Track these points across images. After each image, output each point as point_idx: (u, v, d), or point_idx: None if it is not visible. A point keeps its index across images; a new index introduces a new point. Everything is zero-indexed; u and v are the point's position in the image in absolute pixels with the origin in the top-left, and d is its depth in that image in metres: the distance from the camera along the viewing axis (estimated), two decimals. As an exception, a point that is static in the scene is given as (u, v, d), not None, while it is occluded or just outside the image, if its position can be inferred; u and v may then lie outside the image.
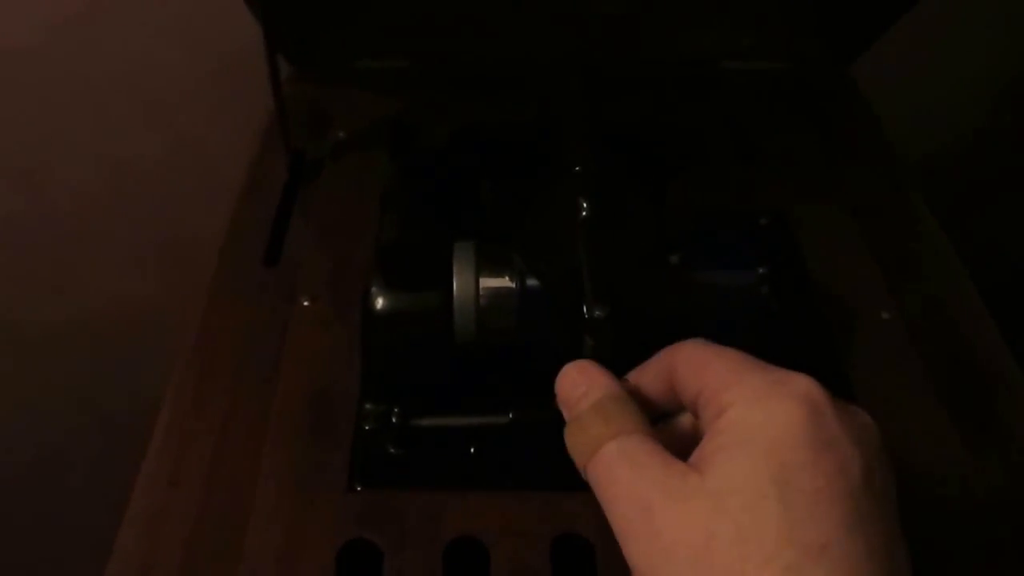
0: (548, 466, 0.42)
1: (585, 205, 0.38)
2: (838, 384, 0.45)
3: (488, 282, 0.42)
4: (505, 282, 0.42)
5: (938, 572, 0.37)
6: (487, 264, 0.42)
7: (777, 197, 0.55)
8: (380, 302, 0.43)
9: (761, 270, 0.43)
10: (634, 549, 0.28)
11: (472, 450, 0.42)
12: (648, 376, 0.33)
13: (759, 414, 0.28)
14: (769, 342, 0.42)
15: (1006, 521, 0.39)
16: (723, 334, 0.41)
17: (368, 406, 0.43)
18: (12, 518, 0.99)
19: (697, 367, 0.31)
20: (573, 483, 0.40)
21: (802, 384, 0.28)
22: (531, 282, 0.42)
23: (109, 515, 0.42)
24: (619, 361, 0.38)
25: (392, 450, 0.42)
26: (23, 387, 0.95)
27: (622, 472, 0.29)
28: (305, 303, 0.50)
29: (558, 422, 0.42)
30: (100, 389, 0.96)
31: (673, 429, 0.34)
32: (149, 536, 0.40)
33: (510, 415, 0.42)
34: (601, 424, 0.31)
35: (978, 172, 0.85)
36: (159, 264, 0.87)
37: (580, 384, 0.33)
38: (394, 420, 0.42)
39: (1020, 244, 0.88)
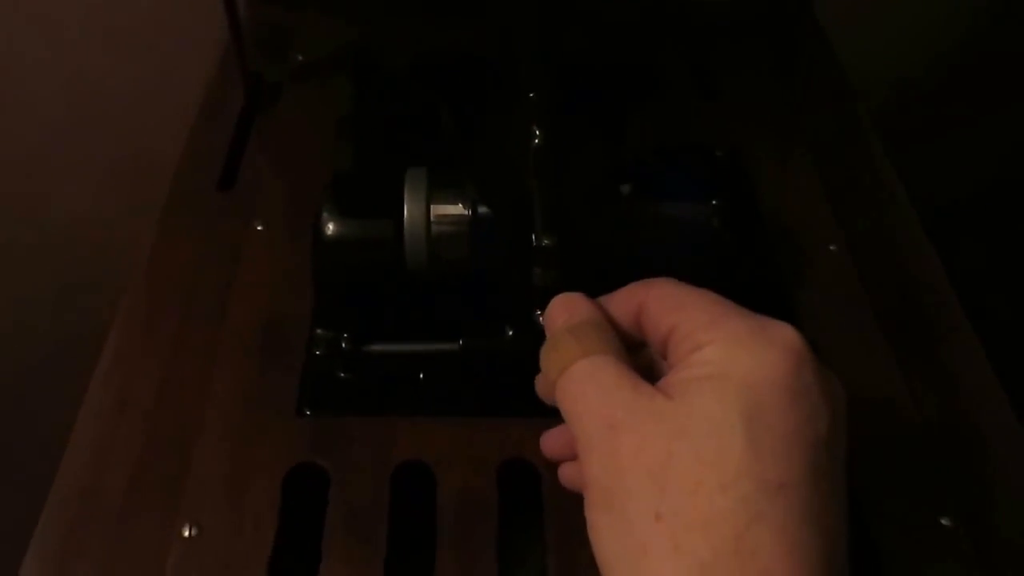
0: (497, 393, 0.43)
1: (538, 133, 0.38)
2: (784, 314, 0.45)
3: (440, 209, 0.42)
4: (457, 210, 0.42)
5: (869, 495, 0.38)
6: (440, 191, 0.42)
7: (735, 133, 0.55)
8: (330, 228, 0.42)
9: (714, 202, 0.43)
10: (595, 464, 0.28)
11: (422, 376, 0.43)
12: (613, 307, 0.33)
13: (741, 354, 0.28)
14: (719, 273, 0.43)
15: (939, 450, 0.41)
16: (673, 265, 0.42)
17: (319, 332, 0.43)
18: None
19: (673, 305, 0.31)
20: (521, 410, 0.41)
21: (787, 333, 0.28)
22: (483, 210, 0.41)
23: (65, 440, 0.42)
24: (569, 291, 0.39)
25: (342, 375, 0.43)
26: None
27: (589, 389, 0.29)
28: (259, 228, 0.50)
29: (508, 350, 0.43)
30: (60, 311, 0.95)
31: (633, 362, 0.34)
32: (95, 460, 0.40)
33: (460, 342, 0.42)
34: (574, 344, 0.31)
35: (931, 108, 0.86)
36: (119, 186, 0.86)
37: (563, 311, 0.33)
38: (344, 346, 0.42)
39: (963, 179, 0.89)
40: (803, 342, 0.28)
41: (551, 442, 0.34)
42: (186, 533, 0.36)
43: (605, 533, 0.27)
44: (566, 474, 0.34)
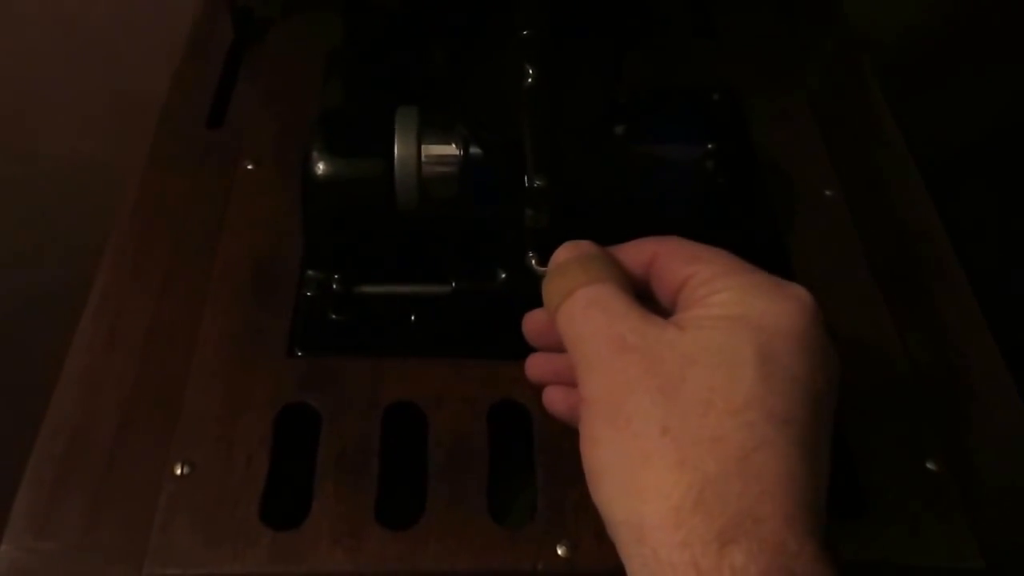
0: (488, 336, 0.43)
1: (531, 71, 0.37)
2: (778, 258, 0.45)
3: (431, 149, 0.41)
4: (449, 150, 0.41)
5: (857, 439, 0.38)
6: (431, 130, 0.41)
7: (732, 73, 0.54)
8: (320, 167, 0.42)
9: (709, 145, 0.42)
10: (600, 384, 0.28)
11: (413, 318, 0.43)
12: (621, 256, 0.33)
13: (758, 301, 0.28)
14: (712, 216, 0.42)
15: (926, 395, 0.41)
16: (667, 207, 0.42)
17: (310, 273, 0.43)
18: None
19: (689, 256, 0.31)
20: (512, 352, 0.41)
21: (802, 291, 0.29)
22: (475, 150, 0.41)
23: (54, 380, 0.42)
24: (560, 233, 0.38)
25: (333, 317, 0.42)
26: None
27: (596, 312, 0.29)
28: (249, 167, 0.49)
29: (500, 293, 0.42)
30: (48, 248, 0.94)
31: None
32: (84, 399, 0.40)
33: (452, 284, 0.42)
34: (580, 271, 0.31)
35: (934, 56, 0.84)
36: (107, 122, 0.85)
37: (569, 248, 0.33)
38: (336, 287, 0.42)
39: (966, 127, 0.88)
40: (815, 302, 0.29)
41: (537, 366, 0.35)
42: (178, 471, 0.37)
43: (604, 445, 0.27)
44: (552, 398, 0.34)
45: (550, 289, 0.32)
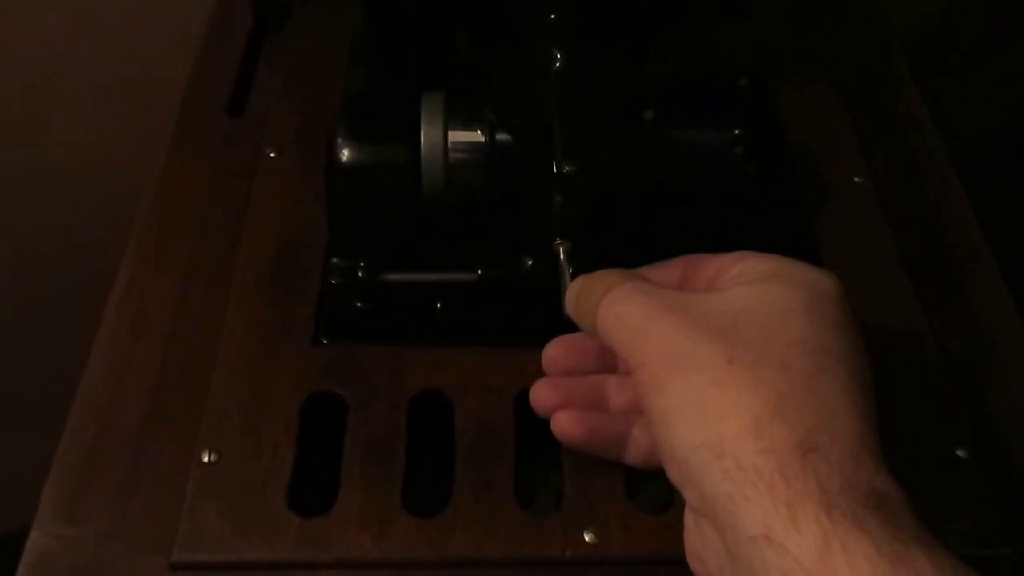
0: (515, 324, 0.42)
1: (559, 56, 0.37)
2: (806, 244, 0.45)
3: (457, 135, 0.41)
4: (475, 135, 0.41)
5: (883, 426, 0.38)
6: (457, 116, 0.41)
7: (760, 59, 0.54)
8: (345, 154, 0.41)
9: (736, 131, 0.42)
10: (652, 342, 0.29)
11: (439, 306, 0.42)
12: (651, 276, 0.34)
13: (796, 268, 0.30)
14: (741, 202, 0.42)
15: (956, 382, 0.40)
16: (696, 193, 0.41)
17: (335, 260, 0.43)
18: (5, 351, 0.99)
19: (718, 256, 0.33)
20: (539, 340, 0.41)
21: (835, 279, 0.30)
22: (501, 136, 0.40)
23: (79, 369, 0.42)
24: (588, 219, 0.38)
25: (358, 304, 0.42)
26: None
27: (638, 297, 0.31)
28: (271, 155, 0.49)
29: (526, 280, 0.42)
30: (70, 237, 0.95)
31: None
32: (111, 387, 0.40)
33: (478, 272, 0.42)
34: (615, 274, 0.33)
35: (961, 38, 0.83)
36: (120, 111, 0.85)
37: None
38: (361, 275, 0.42)
39: (995, 113, 0.87)
40: (842, 285, 0.30)
41: (558, 350, 0.36)
42: (205, 458, 0.36)
43: (671, 389, 0.28)
44: (563, 424, 0.35)
45: (586, 294, 0.33)
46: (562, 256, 0.39)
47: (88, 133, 0.87)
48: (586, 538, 0.35)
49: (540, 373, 0.40)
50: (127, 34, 0.79)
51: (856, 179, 0.48)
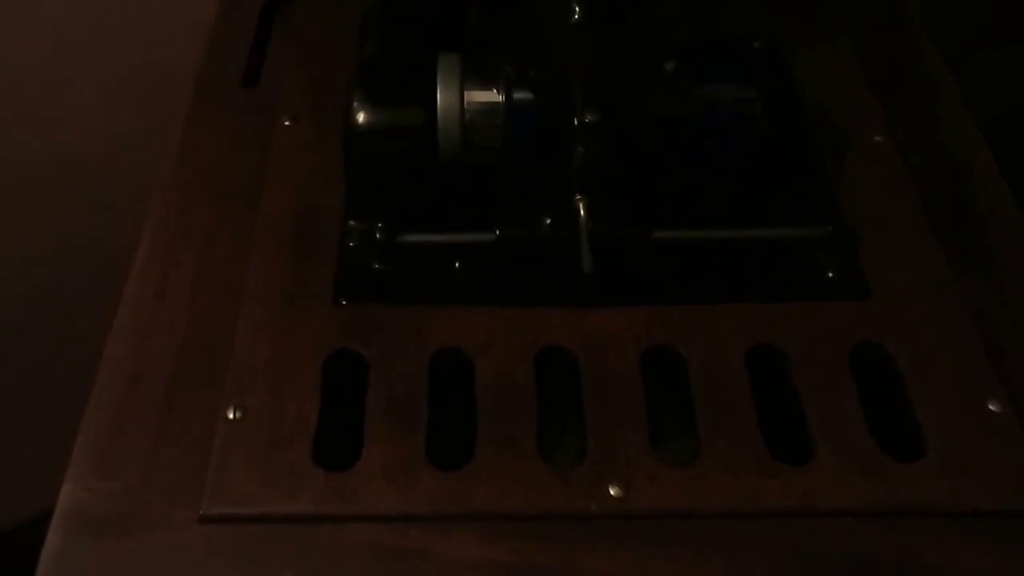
0: (534, 282, 0.42)
1: (577, 9, 0.37)
2: (825, 203, 0.45)
3: (474, 96, 0.41)
4: (492, 96, 0.41)
5: (915, 381, 0.38)
6: (473, 77, 0.41)
7: (776, 23, 0.53)
8: (361, 117, 0.41)
9: (753, 89, 0.42)
10: None
11: (457, 266, 0.42)
12: None
13: None
14: (758, 160, 0.42)
15: (987, 336, 0.40)
16: (714, 148, 0.41)
17: (352, 223, 0.43)
18: (12, 354, 1.00)
19: None
20: (557, 298, 0.41)
21: None
22: (518, 96, 0.40)
23: (99, 349, 0.42)
24: (608, 172, 0.38)
25: (377, 266, 0.42)
26: (11, 226, 0.94)
27: None
28: (286, 123, 0.49)
29: (545, 239, 0.42)
30: (87, 225, 0.95)
31: None
32: (137, 348, 0.40)
33: (497, 232, 0.42)
34: None
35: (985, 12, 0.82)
36: (140, 98, 0.85)
37: None
38: (379, 237, 0.42)
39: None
40: None
41: None
42: (231, 415, 0.37)
43: None
44: None
45: None
46: (581, 212, 0.39)
47: (102, 123, 0.87)
48: (611, 492, 0.35)
49: (559, 330, 0.40)
50: (141, 24, 0.79)
51: (876, 138, 0.48)
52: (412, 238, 0.42)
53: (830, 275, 0.41)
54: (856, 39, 0.53)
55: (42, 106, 0.86)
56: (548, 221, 0.41)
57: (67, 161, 0.90)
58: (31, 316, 1.01)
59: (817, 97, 0.50)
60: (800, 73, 0.51)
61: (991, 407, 0.37)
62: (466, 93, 0.41)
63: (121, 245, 0.49)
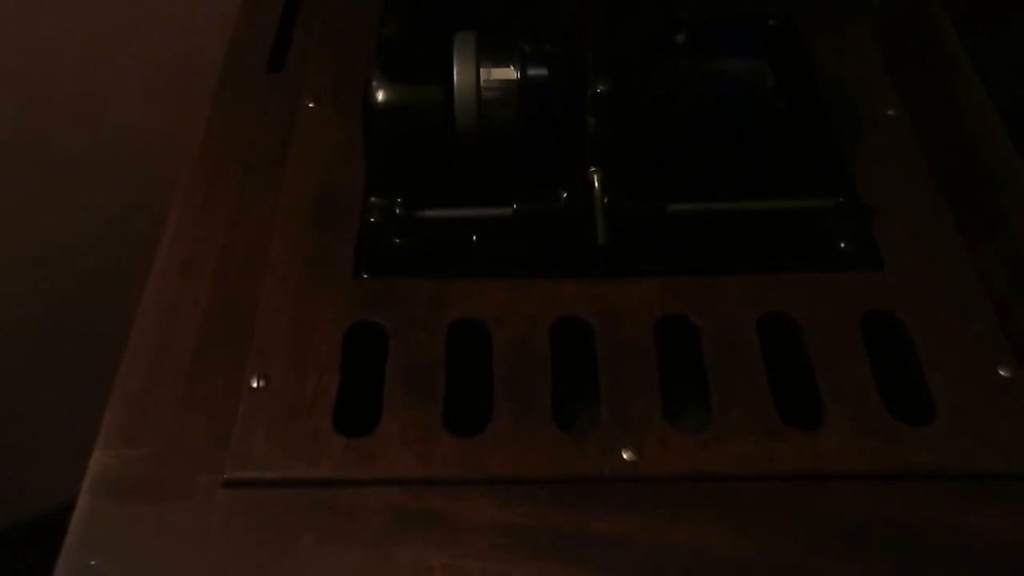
0: (550, 255, 0.43)
1: (588, -15, 0.37)
2: (840, 176, 0.45)
3: (490, 73, 0.42)
4: (507, 72, 0.42)
5: (926, 346, 0.38)
6: (489, 54, 0.42)
7: (793, 2, 0.54)
8: (380, 95, 0.42)
9: (765, 63, 0.42)
10: None
11: (474, 239, 0.43)
12: None
13: None
14: (771, 133, 0.42)
15: (997, 303, 0.40)
16: (727, 121, 0.42)
17: (373, 199, 0.44)
18: (53, 337, 1.02)
19: None
20: (574, 271, 0.42)
21: None
22: (532, 72, 0.41)
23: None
24: (621, 143, 0.39)
25: (396, 241, 0.43)
26: (51, 213, 0.96)
27: None
28: (310, 105, 0.50)
29: (560, 212, 0.43)
30: (124, 214, 0.97)
31: None
32: (164, 321, 0.41)
33: (514, 206, 0.43)
34: None
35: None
36: (177, 89, 0.87)
37: None
38: (398, 212, 0.43)
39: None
40: None
41: None
42: (254, 384, 0.38)
43: None
44: None
45: None
46: (596, 184, 0.39)
47: (139, 114, 0.89)
48: (624, 456, 0.36)
49: (575, 301, 0.40)
50: (177, 14, 0.81)
51: (890, 112, 0.48)
52: (431, 213, 0.43)
53: (842, 246, 0.42)
54: (874, 17, 0.53)
55: (87, 98, 0.88)
56: (564, 195, 0.42)
57: (106, 149, 0.92)
58: (69, 303, 1.03)
59: (832, 73, 0.50)
60: (816, 50, 0.51)
61: (1001, 372, 0.37)
62: (482, 70, 0.42)
63: (151, 237, 0.50)
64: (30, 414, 1.04)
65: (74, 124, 0.90)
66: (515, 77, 0.41)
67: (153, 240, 0.47)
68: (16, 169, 0.89)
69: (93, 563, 0.34)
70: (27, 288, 0.99)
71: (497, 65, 0.42)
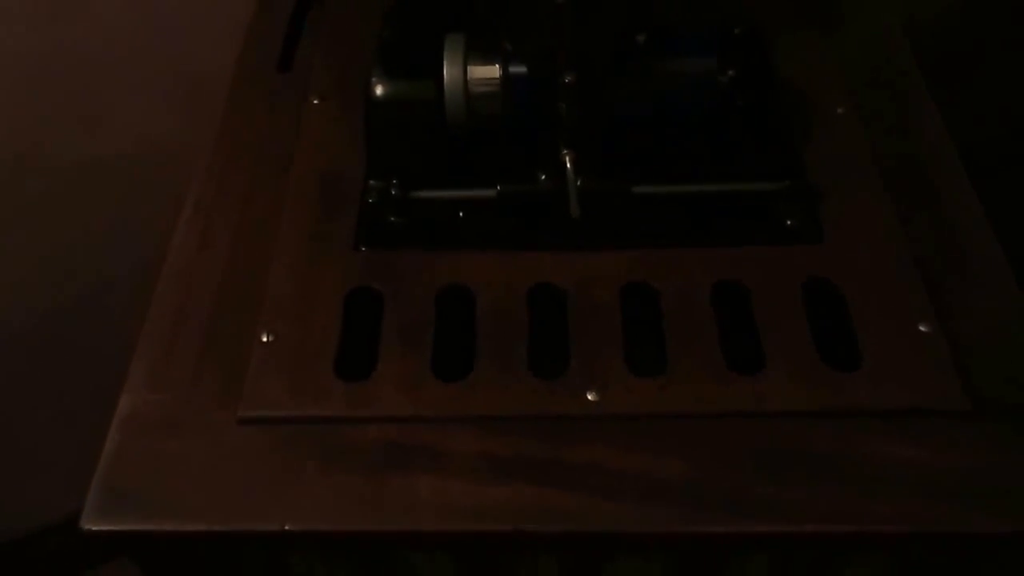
0: (528, 231, 0.48)
1: (562, -9, 0.43)
2: (790, 163, 0.50)
3: (476, 71, 0.47)
4: (492, 70, 0.47)
5: (856, 306, 0.43)
6: (476, 54, 0.47)
7: (756, 10, 0.58)
8: (379, 89, 0.48)
9: (731, 72, 0.47)
10: None
11: (462, 216, 0.48)
12: None
13: None
14: (722, 124, 0.47)
15: (924, 272, 0.45)
16: (684, 117, 0.47)
17: (372, 182, 0.49)
18: (64, 341, 1.05)
19: None
20: (550, 245, 0.47)
21: None
22: (514, 69, 0.46)
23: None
24: (591, 132, 0.44)
25: (393, 218, 0.48)
26: (60, 220, 0.99)
27: None
28: (315, 101, 0.56)
29: (539, 193, 0.48)
30: (132, 223, 1.01)
31: None
32: (183, 288, 0.46)
33: (497, 187, 0.48)
34: None
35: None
36: (186, 100, 0.91)
37: None
38: (394, 193, 0.48)
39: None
40: None
41: None
42: (265, 338, 0.43)
43: None
44: None
45: None
46: (568, 164, 0.45)
47: (144, 122, 0.93)
48: (589, 397, 0.41)
49: (551, 271, 0.45)
50: (187, 27, 0.85)
51: (839, 110, 0.53)
52: (423, 194, 0.49)
53: (789, 223, 0.47)
54: (831, 27, 0.59)
55: (97, 106, 0.91)
56: (543, 177, 0.47)
57: (111, 160, 0.95)
58: (77, 310, 1.06)
59: (791, 75, 0.55)
60: (779, 57, 0.56)
61: (921, 328, 0.42)
62: (469, 68, 0.47)
63: (159, 246, 0.54)
64: (30, 424, 1.05)
65: (81, 133, 0.92)
66: (499, 75, 0.47)
67: (159, 251, 0.51)
68: (22, 178, 0.92)
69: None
70: (33, 294, 1.01)
71: (483, 64, 0.47)
